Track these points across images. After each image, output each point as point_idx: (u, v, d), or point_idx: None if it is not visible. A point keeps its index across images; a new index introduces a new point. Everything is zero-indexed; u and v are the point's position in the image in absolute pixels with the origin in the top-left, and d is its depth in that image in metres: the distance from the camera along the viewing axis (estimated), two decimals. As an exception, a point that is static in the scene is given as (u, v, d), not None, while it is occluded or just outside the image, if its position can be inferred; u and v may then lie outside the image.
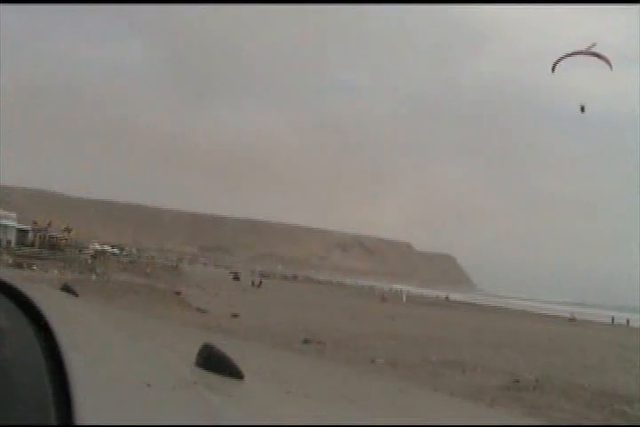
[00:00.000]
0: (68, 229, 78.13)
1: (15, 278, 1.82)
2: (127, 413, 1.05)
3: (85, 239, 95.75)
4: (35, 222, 72.30)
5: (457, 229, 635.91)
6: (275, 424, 1.35)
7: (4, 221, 61.65)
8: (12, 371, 1.13)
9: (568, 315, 63.38)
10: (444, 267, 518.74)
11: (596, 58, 24.01)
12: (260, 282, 65.10)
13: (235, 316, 24.85)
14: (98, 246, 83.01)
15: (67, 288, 2.79)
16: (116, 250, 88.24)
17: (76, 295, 2.65)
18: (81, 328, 1.76)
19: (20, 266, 44.75)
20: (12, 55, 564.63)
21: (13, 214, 65.99)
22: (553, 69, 25.02)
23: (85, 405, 0.99)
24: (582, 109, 26.07)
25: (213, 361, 1.60)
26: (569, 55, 24.57)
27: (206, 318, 23.42)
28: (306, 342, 17.74)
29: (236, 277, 76.87)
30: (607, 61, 24.04)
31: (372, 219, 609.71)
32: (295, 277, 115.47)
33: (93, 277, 41.90)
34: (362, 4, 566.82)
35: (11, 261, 47.74)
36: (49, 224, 73.03)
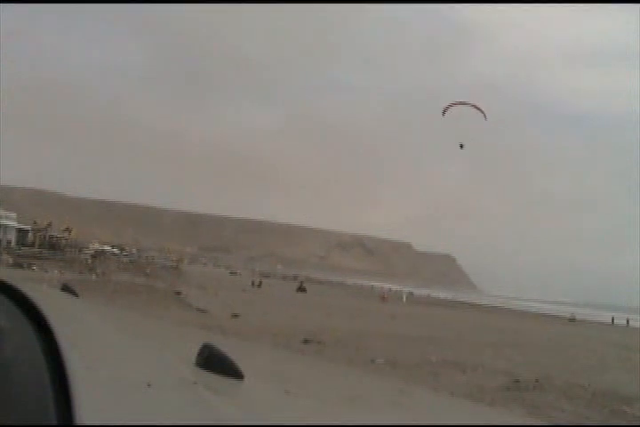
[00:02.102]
0: (68, 229, 78.08)
1: (15, 278, 1.82)
2: (127, 413, 1.05)
3: (85, 239, 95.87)
4: (35, 222, 72.24)
5: (457, 229, 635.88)
6: (275, 424, 1.35)
7: (4, 221, 61.64)
8: (12, 371, 1.13)
9: (568, 315, 63.47)
10: (444, 267, 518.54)
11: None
12: (260, 282, 65.14)
13: (235, 316, 24.83)
14: (98, 246, 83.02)
15: (67, 288, 2.79)
16: (115, 250, 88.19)
17: (76, 295, 2.66)
18: (81, 328, 1.76)
19: (20, 266, 44.78)
20: (12, 55, 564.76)
21: (13, 214, 65.97)
22: (443, 113, 29.47)
23: (85, 405, 0.99)
24: (461, 146, 30.71)
25: (213, 361, 1.59)
26: (456, 104, 29.61)
27: (206, 317, 23.40)
28: (306, 341, 17.71)
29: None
30: (482, 113, 29.87)
31: (372, 219, 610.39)
32: (295, 277, 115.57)
33: (93, 277, 41.93)
34: (362, 4, 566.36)
35: (11, 261, 47.75)
36: (49, 224, 72.96)
